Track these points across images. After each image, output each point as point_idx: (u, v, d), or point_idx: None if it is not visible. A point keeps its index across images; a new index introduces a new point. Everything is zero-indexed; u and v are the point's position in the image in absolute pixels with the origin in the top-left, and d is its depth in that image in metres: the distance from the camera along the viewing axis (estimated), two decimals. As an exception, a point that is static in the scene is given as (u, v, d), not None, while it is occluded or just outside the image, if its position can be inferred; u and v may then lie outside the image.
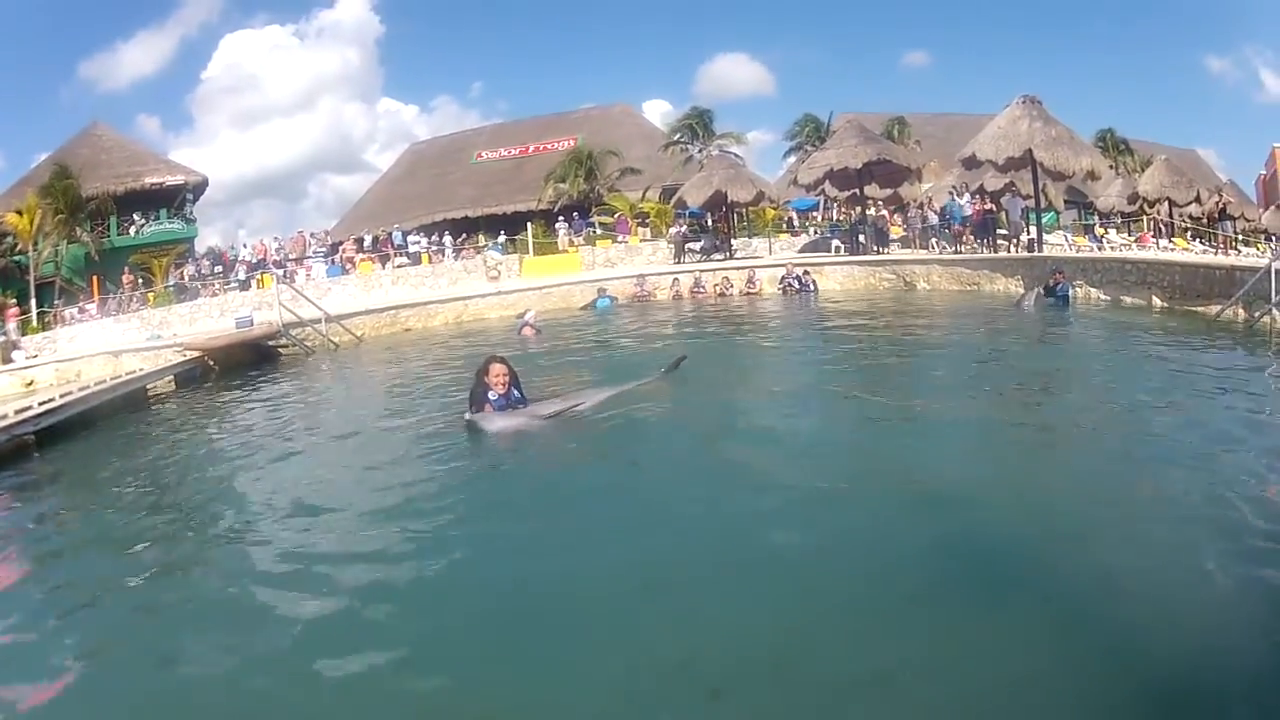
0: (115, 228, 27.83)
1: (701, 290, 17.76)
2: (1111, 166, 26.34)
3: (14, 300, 22.16)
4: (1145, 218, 25.12)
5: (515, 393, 5.77)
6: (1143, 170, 28.79)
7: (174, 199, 28.94)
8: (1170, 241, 22.10)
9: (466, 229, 28.74)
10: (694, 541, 3.63)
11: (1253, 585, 2.86)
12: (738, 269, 18.65)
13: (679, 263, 21.36)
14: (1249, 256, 17.90)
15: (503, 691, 2.60)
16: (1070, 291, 11.89)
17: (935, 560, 3.23)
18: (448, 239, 25.73)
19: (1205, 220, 25.59)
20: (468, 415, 5.73)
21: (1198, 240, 23.77)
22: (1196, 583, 2.90)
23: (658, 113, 44.77)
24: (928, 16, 67.11)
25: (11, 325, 19.61)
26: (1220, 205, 25.86)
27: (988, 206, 18.05)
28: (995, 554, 3.28)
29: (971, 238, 17.55)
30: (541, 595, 3.22)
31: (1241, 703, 2.27)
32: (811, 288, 16.46)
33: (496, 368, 5.73)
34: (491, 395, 5.65)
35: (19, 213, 24.06)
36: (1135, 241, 21.76)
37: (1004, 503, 3.84)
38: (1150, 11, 61.37)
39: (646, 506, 4.15)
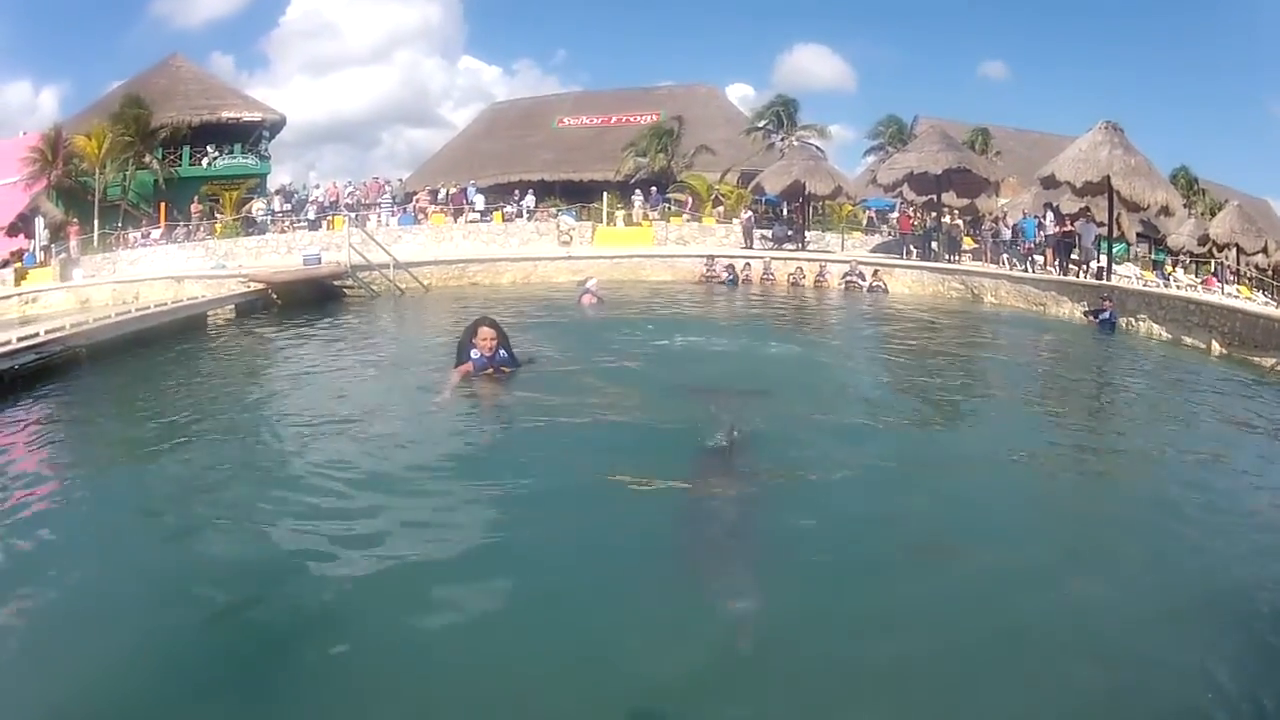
0: (188, 157, 28.54)
1: (770, 278, 18.41)
2: (1184, 205, 26.32)
3: (75, 219, 22.94)
4: (1213, 261, 25.19)
5: (503, 352, 6.20)
6: (1213, 213, 28.69)
7: (249, 135, 29.56)
8: (1236, 288, 22.24)
9: (542, 192, 29.62)
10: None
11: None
12: (809, 260, 19.23)
13: (748, 248, 21.97)
14: (1311, 313, 18.08)
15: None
16: (1117, 319, 12.42)
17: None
18: (529, 200, 26.28)
19: (1271, 272, 25.56)
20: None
21: (1261, 291, 23.79)
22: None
23: (737, 96, 44.98)
24: (1006, 26, 66.01)
25: (73, 243, 20.32)
26: (1288, 259, 25.79)
27: (1066, 228, 18.36)
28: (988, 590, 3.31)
29: (1051, 253, 17.96)
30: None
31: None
32: (882, 288, 17.12)
33: (485, 330, 6.15)
34: (474, 354, 6.07)
35: (88, 136, 24.84)
36: (1201, 284, 21.96)
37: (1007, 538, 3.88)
38: (1232, 52, 59.84)
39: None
